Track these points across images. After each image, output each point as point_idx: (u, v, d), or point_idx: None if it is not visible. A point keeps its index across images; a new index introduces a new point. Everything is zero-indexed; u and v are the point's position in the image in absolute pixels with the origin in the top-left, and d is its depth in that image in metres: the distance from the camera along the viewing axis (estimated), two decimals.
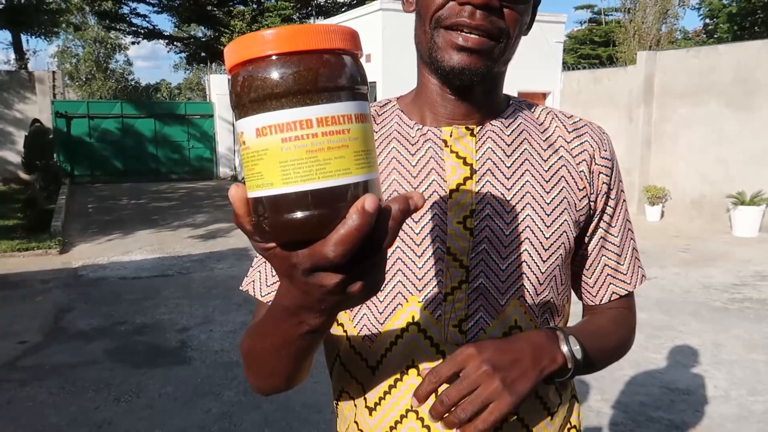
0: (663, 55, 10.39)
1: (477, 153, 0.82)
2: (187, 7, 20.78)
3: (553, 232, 0.81)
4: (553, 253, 0.81)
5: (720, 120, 9.25)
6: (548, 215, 0.81)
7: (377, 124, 0.87)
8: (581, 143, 0.85)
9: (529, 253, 0.80)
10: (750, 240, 8.38)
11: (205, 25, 22.56)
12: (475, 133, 0.82)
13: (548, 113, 0.88)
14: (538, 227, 0.81)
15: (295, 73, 0.42)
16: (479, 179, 0.81)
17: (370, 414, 0.82)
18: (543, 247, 0.81)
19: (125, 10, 20.49)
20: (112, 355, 4.38)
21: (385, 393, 0.81)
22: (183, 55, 24.61)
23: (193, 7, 20.87)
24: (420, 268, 0.79)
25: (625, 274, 0.90)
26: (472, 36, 0.74)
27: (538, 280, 0.81)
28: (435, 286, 0.79)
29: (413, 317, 0.79)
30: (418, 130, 0.84)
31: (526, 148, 0.84)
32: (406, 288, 0.79)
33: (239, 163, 16.94)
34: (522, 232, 0.80)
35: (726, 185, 8.99)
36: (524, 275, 0.80)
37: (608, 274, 0.89)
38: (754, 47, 8.96)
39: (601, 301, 0.91)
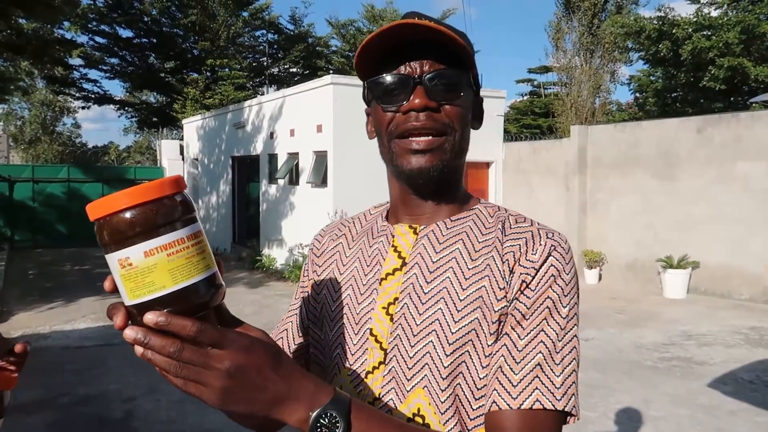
0: (594, 129, 11.22)
1: (413, 248, 0.91)
2: (140, 74, 21.04)
3: (459, 328, 0.83)
4: (457, 348, 0.82)
5: (647, 189, 9.98)
6: (458, 311, 0.83)
7: (366, 221, 1.03)
8: (511, 245, 0.85)
9: (434, 345, 0.83)
10: (679, 301, 8.92)
11: (158, 91, 22.80)
12: (417, 231, 0.92)
13: (501, 218, 0.91)
14: (447, 322, 0.83)
15: (175, 207, 0.62)
16: (407, 271, 0.89)
17: None
18: (447, 340, 0.83)
19: (76, 75, 20.57)
20: (54, 428, 4.28)
21: None
22: (134, 119, 24.66)
23: (146, 75, 21.15)
24: (354, 344, 0.90)
25: (514, 386, 0.78)
26: (422, 138, 0.85)
27: (440, 374, 0.82)
28: (361, 364, 0.89)
29: (342, 387, 0.89)
30: (382, 226, 0.97)
31: (457, 248, 0.88)
32: (341, 359, 0.91)
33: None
34: (431, 324, 0.84)
35: (656, 249, 9.60)
36: (428, 366, 0.83)
37: (496, 378, 0.80)
38: (673, 124, 9.84)
39: (486, 408, 0.81)
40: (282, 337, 1.02)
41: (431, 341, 0.83)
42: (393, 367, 0.86)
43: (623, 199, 10.32)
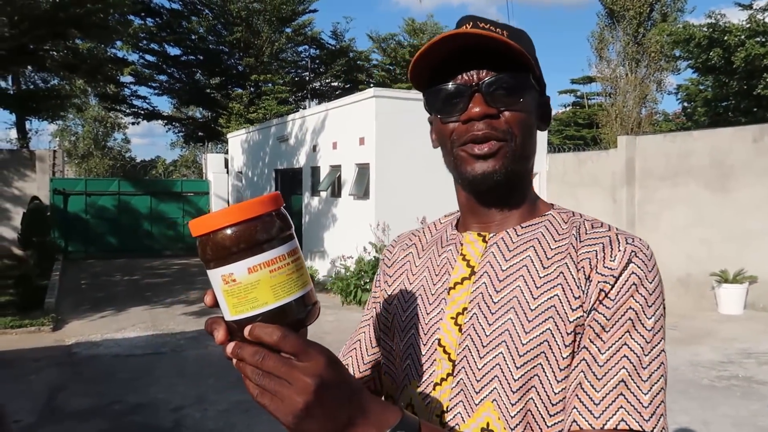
0: (642, 139, 10.93)
1: (482, 257, 0.88)
2: (187, 90, 21.67)
3: (530, 339, 0.79)
4: (528, 360, 0.79)
5: (699, 201, 9.64)
6: (529, 321, 0.80)
7: (437, 230, 1.01)
8: (587, 251, 0.81)
9: (504, 357, 0.80)
10: (736, 317, 8.54)
11: (204, 106, 23.43)
12: (486, 239, 0.90)
13: (575, 223, 0.87)
14: (517, 333, 0.80)
15: (271, 226, 0.62)
16: (476, 280, 0.87)
17: None
18: (518, 352, 0.79)
19: (126, 92, 21.33)
20: None
21: None
22: (180, 134, 25.38)
23: (193, 91, 21.77)
24: (423, 355, 0.88)
25: (596, 405, 0.74)
26: (484, 144, 0.84)
27: (510, 387, 0.79)
28: (429, 375, 0.87)
29: (411, 399, 0.88)
30: (451, 234, 0.96)
31: (528, 255, 0.85)
32: (412, 370, 0.89)
33: None
34: (500, 335, 0.81)
35: (710, 264, 9.24)
36: (497, 378, 0.80)
37: (576, 395, 0.76)
38: (726, 134, 9.50)
39: (566, 427, 0.77)
40: (355, 348, 1.02)
41: (501, 353, 0.80)
42: (461, 379, 0.83)
43: (674, 212, 9.99)
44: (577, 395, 0.75)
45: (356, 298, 9.26)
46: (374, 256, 9.62)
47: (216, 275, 0.62)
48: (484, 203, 0.90)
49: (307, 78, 23.04)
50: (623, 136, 10.99)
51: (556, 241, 0.86)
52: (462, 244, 0.92)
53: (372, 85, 22.01)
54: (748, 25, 13.98)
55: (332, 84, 23.99)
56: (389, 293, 0.99)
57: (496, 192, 0.88)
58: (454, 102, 0.85)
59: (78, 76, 15.00)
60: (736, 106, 16.46)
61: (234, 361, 0.62)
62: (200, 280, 12.35)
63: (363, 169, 10.72)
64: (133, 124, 24.18)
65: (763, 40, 13.65)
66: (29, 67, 17.35)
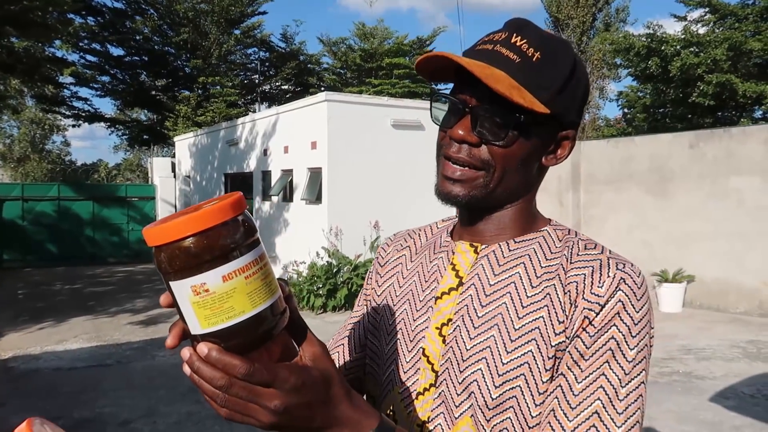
0: (587, 144, 11.30)
1: (471, 268, 0.86)
2: (131, 91, 21.00)
3: (511, 359, 0.78)
4: (507, 380, 0.77)
5: (641, 205, 10.04)
6: (512, 341, 0.78)
7: (432, 234, 0.99)
8: (575, 275, 0.78)
9: (482, 373, 0.79)
10: (675, 315, 8.93)
11: (149, 109, 22.76)
12: (478, 250, 0.87)
13: (569, 243, 0.84)
14: (498, 351, 0.79)
15: (242, 231, 0.59)
16: (463, 292, 0.85)
17: None
18: (497, 371, 0.78)
19: (66, 93, 20.47)
20: None
21: None
22: (125, 137, 24.55)
23: (138, 92, 21.11)
24: (407, 362, 0.88)
25: None
26: (456, 167, 0.82)
27: (487, 405, 0.78)
28: (412, 384, 0.86)
29: (392, 407, 0.88)
30: (445, 241, 0.94)
31: (518, 272, 0.83)
32: (395, 376, 0.89)
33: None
34: (481, 351, 0.80)
35: (651, 265, 9.63)
36: (474, 395, 0.79)
37: (549, 423, 0.74)
38: (666, 139, 9.93)
39: None
40: (342, 344, 1.00)
41: (480, 369, 0.79)
42: (443, 391, 0.83)
43: (618, 215, 10.36)
44: (549, 422, 0.74)
45: (309, 304, 9.17)
46: (327, 261, 9.56)
47: (183, 287, 0.57)
48: (471, 217, 0.88)
49: (257, 81, 22.74)
50: None
51: (547, 260, 0.83)
52: (453, 253, 0.90)
53: (323, 88, 21.91)
54: (683, 36, 14.68)
55: (282, 87, 23.75)
56: (379, 293, 0.98)
57: (473, 212, 0.87)
58: (448, 112, 0.84)
59: (14, 77, 14.32)
60: (673, 112, 17.23)
61: (188, 370, 0.59)
62: (146, 288, 11.98)
63: (315, 174, 10.65)
64: (73, 126, 23.19)
65: (697, 50, 14.34)
66: None
